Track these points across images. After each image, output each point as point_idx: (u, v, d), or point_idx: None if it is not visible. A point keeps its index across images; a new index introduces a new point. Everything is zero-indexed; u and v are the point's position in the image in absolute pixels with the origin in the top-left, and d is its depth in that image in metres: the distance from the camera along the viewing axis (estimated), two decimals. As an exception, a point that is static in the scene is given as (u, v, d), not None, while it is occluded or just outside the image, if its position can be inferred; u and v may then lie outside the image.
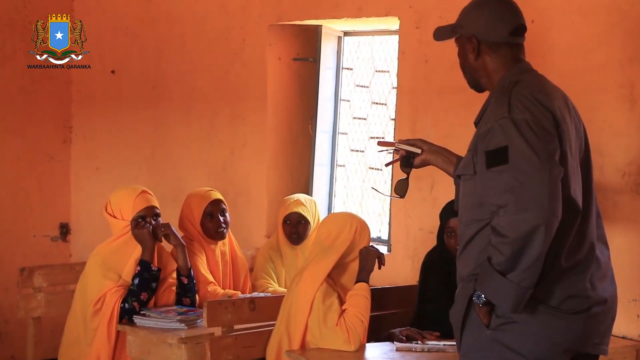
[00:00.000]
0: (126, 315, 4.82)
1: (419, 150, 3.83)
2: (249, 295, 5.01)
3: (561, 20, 4.89)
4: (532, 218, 3.16)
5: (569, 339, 3.35)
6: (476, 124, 3.52)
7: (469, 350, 3.43)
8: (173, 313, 4.75)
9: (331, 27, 6.26)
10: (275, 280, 5.45)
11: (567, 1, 4.88)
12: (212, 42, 6.55)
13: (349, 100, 6.35)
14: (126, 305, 4.83)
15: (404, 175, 3.88)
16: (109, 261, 4.94)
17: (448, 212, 4.75)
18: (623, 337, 4.67)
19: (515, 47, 3.53)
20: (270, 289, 5.33)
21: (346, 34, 6.31)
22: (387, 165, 4.02)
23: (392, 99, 5.89)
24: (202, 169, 6.62)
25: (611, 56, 4.72)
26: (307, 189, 6.27)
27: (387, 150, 3.97)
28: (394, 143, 3.91)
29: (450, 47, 5.27)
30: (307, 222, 5.45)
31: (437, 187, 5.33)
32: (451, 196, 4.88)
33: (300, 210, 5.43)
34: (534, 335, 3.32)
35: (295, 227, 5.45)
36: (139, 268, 4.87)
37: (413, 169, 3.86)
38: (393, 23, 5.67)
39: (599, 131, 4.76)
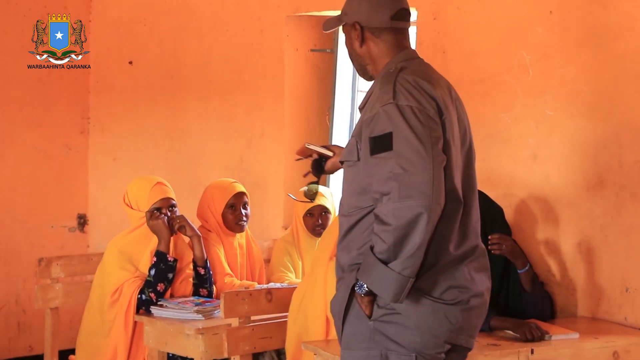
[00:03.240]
0: (143, 306, 4.84)
1: (331, 153, 3.82)
2: (265, 286, 5.02)
3: (579, 10, 4.86)
4: (415, 206, 3.14)
5: (448, 329, 3.34)
6: (361, 109, 3.50)
7: (351, 341, 3.41)
8: (190, 304, 4.76)
9: (349, 18, 6.24)
10: (293, 272, 5.45)
11: (585, -8, 4.86)
12: (230, 33, 6.55)
13: (366, 92, 6.33)
14: (143, 296, 4.84)
15: (315, 179, 3.91)
16: (126, 252, 4.95)
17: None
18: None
19: (399, 33, 3.50)
20: (287, 281, 5.34)
21: (364, 24, 6.29)
22: (305, 175, 3.99)
23: (409, 90, 5.88)
24: (219, 160, 6.63)
25: (629, 47, 4.69)
26: (325, 180, 6.27)
27: (303, 158, 3.96)
28: (304, 145, 3.91)
29: (468, 37, 5.29)
30: (329, 212, 5.45)
31: (454, 179, 5.32)
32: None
33: (323, 202, 5.42)
34: (416, 327, 3.31)
35: (319, 219, 5.43)
36: (155, 259, 4.88)
37: (324, 175, 3.90)
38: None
39: (618, 123, 4.74)
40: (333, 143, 3.88)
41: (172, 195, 5.06)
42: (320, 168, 3.85)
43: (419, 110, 3.24)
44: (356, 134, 3.40)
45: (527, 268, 4.65)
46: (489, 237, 4.55)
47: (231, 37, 6.55)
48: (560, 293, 4.95)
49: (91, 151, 7.39)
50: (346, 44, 3.58)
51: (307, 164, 3.91)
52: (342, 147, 3.79)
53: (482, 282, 3.43)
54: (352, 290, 3.35)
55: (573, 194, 4.92)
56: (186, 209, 5.28)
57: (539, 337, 4.32)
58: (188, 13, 6.77)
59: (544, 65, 5.00)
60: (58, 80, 7.19)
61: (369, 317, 3.34)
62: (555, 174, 4.99)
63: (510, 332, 4.39)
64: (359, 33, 3.49)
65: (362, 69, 3.58)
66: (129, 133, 7.20)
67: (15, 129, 7.03)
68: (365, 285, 3.28)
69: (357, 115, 6.34)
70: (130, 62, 7.13)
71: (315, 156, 3.84)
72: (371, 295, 3.31)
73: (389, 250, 3.18)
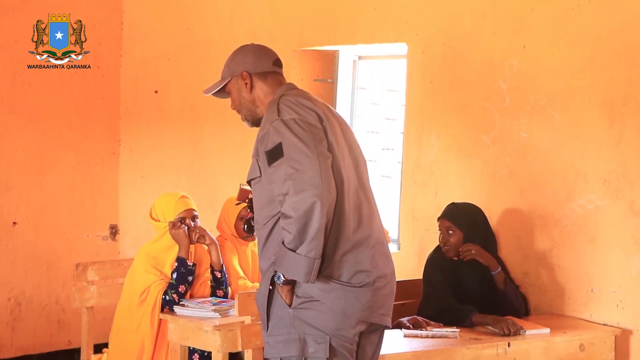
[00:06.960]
0: (167, 306, 4.85)
1: None
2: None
3: (549, 47, 4.89)
4: (308, 196, 3.25)
5: (359, 309, 3.40)
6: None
7: (274, 328, 3.46)
8: (208, 304, 4.77)
9: (347, 52, 6.27)
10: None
11: (554, 30, 4.88)
12: (243, 66, 6.55)
13: (363, 116, 6.35)
14: (167, 296, 4.85)
15: (251, 215, 3.93)
16: (152, 258, 4.97)
17: (442, 214, 4.80)
18: (604, 324, 4.66)
19: (279, 75, 3.69)
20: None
21: (360, 57, 6.32)
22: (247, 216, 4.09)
23: (401, 115, 5.90)
24: (233, 178, 6.63)
25: (593, 78, 4.72)
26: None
27: (242, 202, 4.04)
28: (240, 186, 3.97)
29: (452, 69, 5.31)
30: None
31: (440, 193, 5.34)
32: (452, 200, 4.91)
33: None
34: (330, 310, 3.37)
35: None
36: (176, 264, 4.90)
37: None
38: (402, 48, 5.68)
39: (583, 144, 4.76)
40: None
41: (194, 207, 5.08)
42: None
43: (301, 120, 3.39)
44: (254, 154, 3.52)
45: (498, 270, 4.69)
46: (460, 248, 4.69)
47: (244, 69, 6.55)
48: (534, 293, 4.95)
49: (121, 169, 7.39)
50: (233, 99, 3.70)
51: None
52: None
53: (385, 266, 3.50)
54: (273, 281, 3.42)
55: (544, 207, 4.93)
56: (205, 219, 5.29)
57: (515, 331, 4.33)
58: (206, 49, 6.79)
59: (519, 94, 5.02)
60: (93, 108, 7.19)
61: (289, 305, 3.40)
62: (529, 189, 5.00)
63: (490, 327, 4.40)
64: (247, 80, 3.64)
65: (252, 114, 3.69)
66: (154, 154, 7.21)
67: (56, 150, 7.04)
68: (282, 275, 3.35)
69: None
70: (156, 92, 7.15)
71: (251, 195, 3.92)
72: (289, 284, 3.38)
73: (295, 239, 3.27)
